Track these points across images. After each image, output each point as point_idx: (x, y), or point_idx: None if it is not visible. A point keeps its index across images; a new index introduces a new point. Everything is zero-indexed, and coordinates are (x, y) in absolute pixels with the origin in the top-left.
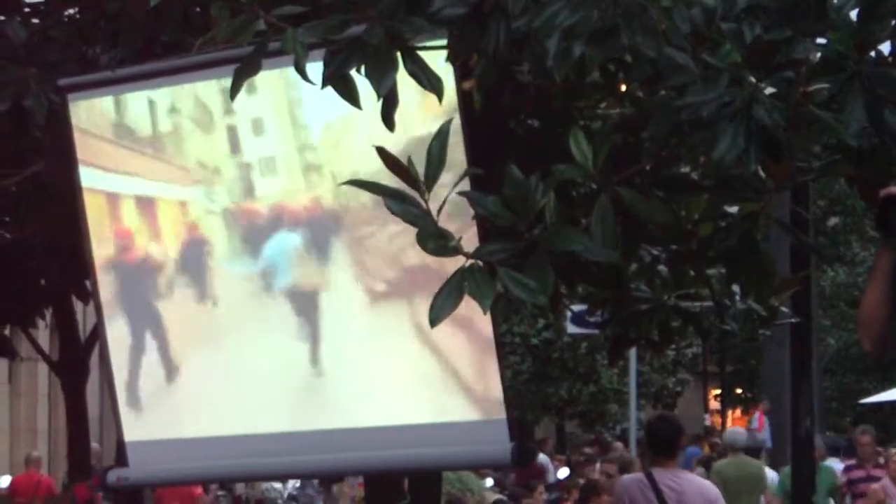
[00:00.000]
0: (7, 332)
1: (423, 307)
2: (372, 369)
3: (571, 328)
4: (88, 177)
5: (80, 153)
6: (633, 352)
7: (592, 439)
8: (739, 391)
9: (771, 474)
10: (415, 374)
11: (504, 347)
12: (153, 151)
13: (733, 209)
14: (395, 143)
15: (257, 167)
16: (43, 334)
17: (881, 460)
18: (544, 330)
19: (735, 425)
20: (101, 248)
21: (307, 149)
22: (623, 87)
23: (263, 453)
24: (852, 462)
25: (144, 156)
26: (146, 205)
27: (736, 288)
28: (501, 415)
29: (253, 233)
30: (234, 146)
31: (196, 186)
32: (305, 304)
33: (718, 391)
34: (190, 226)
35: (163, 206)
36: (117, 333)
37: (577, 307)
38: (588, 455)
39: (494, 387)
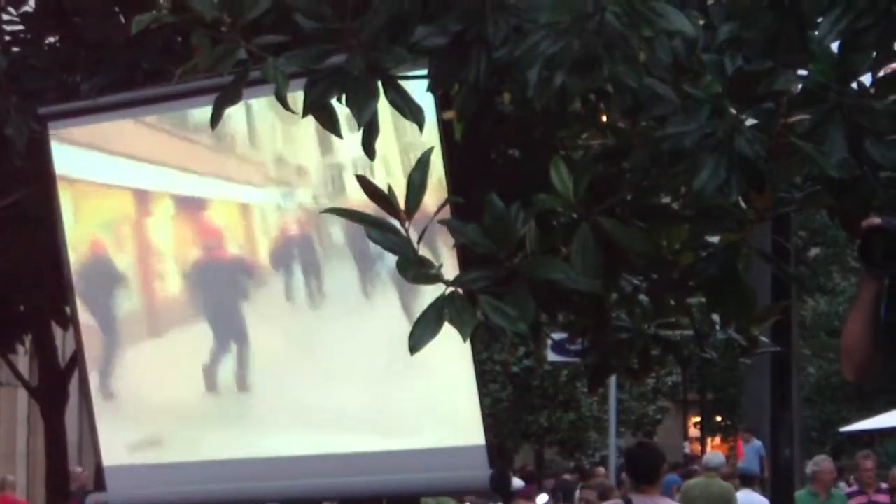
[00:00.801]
0: None
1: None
2: (348, 394)
3: (552, 356)
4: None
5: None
6: (612, 380)
7: (573, 466)
8: (719, 419)
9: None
10: (393, 399)
11: (484, 375)
12: (213, 142)
13: (715, 239)
14: None
15: (350, 167)
16: (22, 360)
17: (883, 485)
18: (525, 358)
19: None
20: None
21: (411, 148)
22: (604, 118)
23: (240, 478)
24: (854, 489)
25: (196, 146)
26: (190, 205)
27: (716, 317)
28: (480, 441)
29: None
30: (325, 145)
31: (270, 187)
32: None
33: (698, 419)
34: (260, 231)
35: (217, 207)
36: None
37: (557, 335)
38: (565, 482)
39: (473, 413)
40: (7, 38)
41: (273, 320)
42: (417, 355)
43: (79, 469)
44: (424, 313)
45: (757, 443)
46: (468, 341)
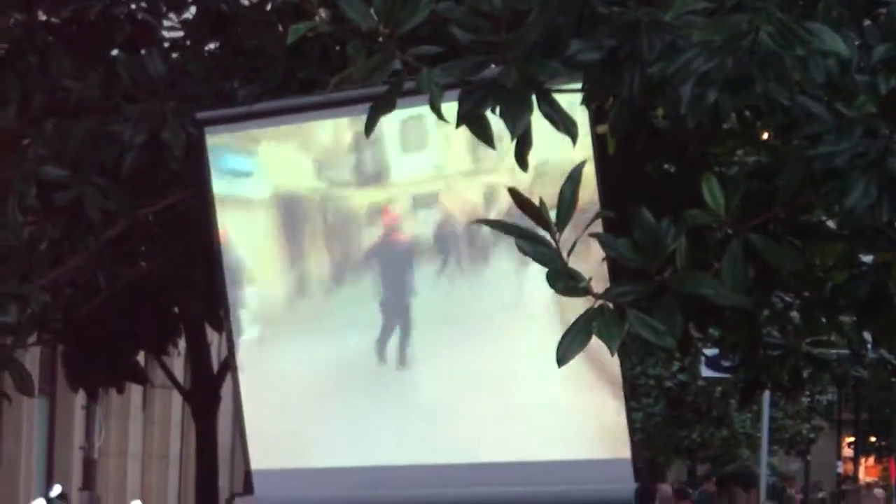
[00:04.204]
0: (141, 359)
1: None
2: (494, 404)
3: (706, 372)
4: None
5: None
6: (766, 397)
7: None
8: (873, 439)
9: None
10: (538, 410)
11: (638, 389)
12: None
13: (869, 258)
14: None
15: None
16: (177, 362)
17: None
18: (679, 373)
19: (869, 474)
20: None
21: None
22: (760, 135)
23: (390, 485)
24: None
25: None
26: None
27: (868, 336)
28: (626, 454)
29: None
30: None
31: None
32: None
33: (852, 439)
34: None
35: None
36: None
37: (710, 351)
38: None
39: (620, 426)
40: (167, 44)
41: (436, 336)
42: (567, 367)
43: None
44: (573, 326)
45: None
46: (616, 355)
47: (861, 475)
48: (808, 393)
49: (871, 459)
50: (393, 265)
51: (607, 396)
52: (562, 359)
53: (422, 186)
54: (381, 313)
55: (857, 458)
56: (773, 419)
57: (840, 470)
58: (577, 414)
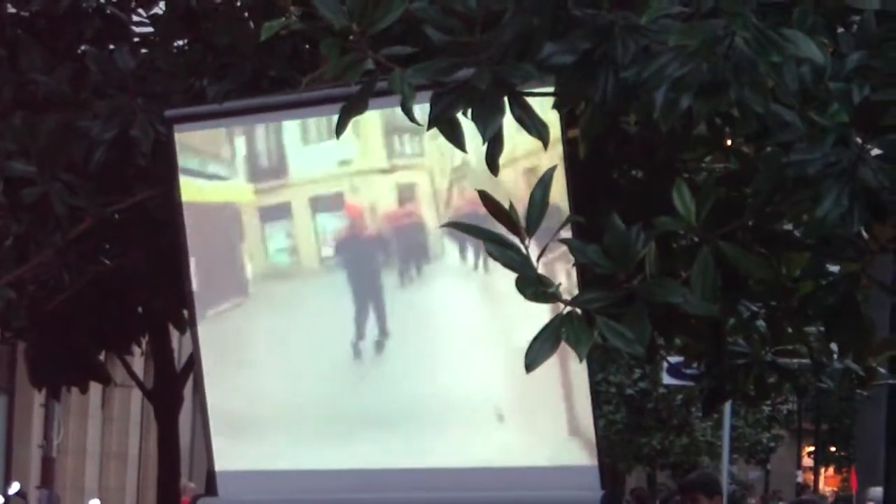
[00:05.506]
0: (102, 357)
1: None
2: (462, 409)
3: (667, 379)
4: None
5: None
6: (727, 405)
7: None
8: (833, 449)
9: None
10: (507, 416)
11: (599, 396)
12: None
13: (835, 268)
14: None
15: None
16: (138, 361)
17: None
18: (640, 380)
19: (828, 483)
20: None
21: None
22: (729, 142)
23: (354, 489)
24: None
25: None
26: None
27: (834, 346)
28: (593, 461)
29: None
30: None
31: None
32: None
33: (812, 448)
34: None
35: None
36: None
37: (673, 359)
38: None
39: (587, 433)
40: (136, 39)
41: (405, 340)
42: (534, 373)
43: (192, 485)
44: (541, 332)
45: None
46: (584, 362)
47: (821, 485)
48: (768, 402)
49: (831, 469)
50: (358, 264)
51: (574, 403)
52: (530, 364)
53: (323, 185)
54: (350, 313)
55: (817, 467)
56: (733, 427)
57: (800, 479)
58: (544, 420)
